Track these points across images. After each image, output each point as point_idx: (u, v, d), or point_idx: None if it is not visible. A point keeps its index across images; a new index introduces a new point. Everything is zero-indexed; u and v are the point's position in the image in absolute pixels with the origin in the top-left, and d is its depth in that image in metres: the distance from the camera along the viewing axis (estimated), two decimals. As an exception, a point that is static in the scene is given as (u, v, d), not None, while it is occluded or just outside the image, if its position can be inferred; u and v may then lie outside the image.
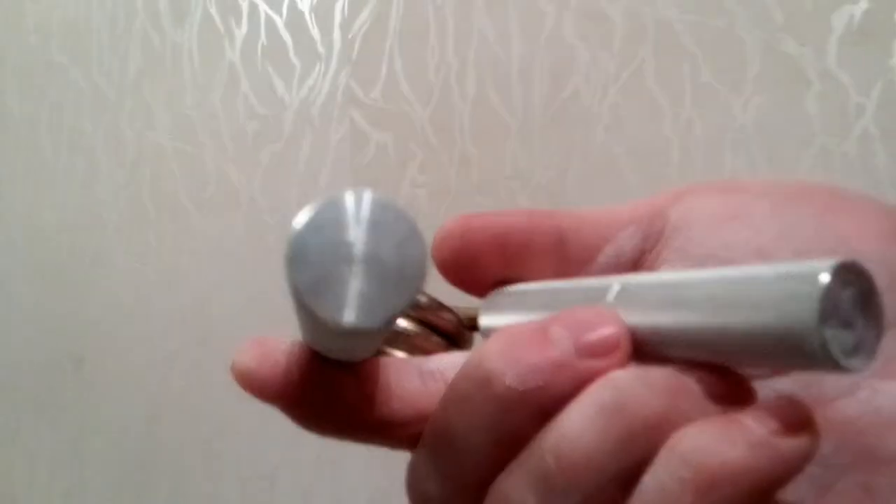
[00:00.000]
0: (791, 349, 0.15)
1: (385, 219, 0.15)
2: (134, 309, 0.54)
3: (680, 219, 0.21)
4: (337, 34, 0.50)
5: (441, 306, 0.25)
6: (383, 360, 0.21)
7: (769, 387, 0.19)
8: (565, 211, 0.23)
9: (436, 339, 0.25)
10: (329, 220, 0.15)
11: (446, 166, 0.48)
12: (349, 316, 0.15)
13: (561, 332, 0.18)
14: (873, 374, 0.18)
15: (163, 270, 0.54)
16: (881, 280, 0.16)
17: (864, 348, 0.15)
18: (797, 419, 0.16)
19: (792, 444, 0.15)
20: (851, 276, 0.15)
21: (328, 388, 0.20)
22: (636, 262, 0.22)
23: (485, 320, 0.24)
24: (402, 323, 0.24)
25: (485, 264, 0.23)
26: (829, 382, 0.18)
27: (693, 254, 0.20)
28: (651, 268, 0.21)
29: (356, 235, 0.15)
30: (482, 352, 0.18)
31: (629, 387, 0.17)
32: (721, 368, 0.17)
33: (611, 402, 0.16)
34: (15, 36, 0.58)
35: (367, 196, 0.15)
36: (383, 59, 0.49)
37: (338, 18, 0.50)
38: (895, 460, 0.17)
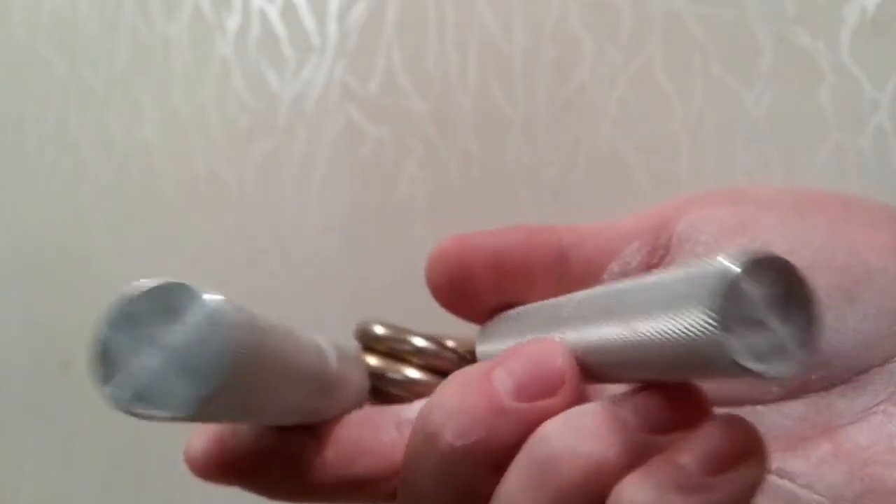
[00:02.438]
0: (699, 359, 0.14)
1: (180, 304, 0.15)
2: (122, 311, 0.55)
3: (685, 231, 0.21)
4: (332, 25, 0.51)
5: (443, 347, 0.25)
6: (357, 414, 0.21)
7: (778, 411, 0.19)
8: (565, 226, 0.23)
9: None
10: (127, 314, 0.16)
11: (446, 162, 0.49)
12: (138, 402, 0.15)
13: (502, 373, 0.17)
14: (888, 398, 0.18)
15: (151, 271, 0.55)
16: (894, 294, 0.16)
17: (789, 350, 0.14)
18: (737, 448, 0.15)
19: (732, 479, 0.15)
20: (766, 269, 0.14)
21: (286, 459, 0.20)
22: None
23: (482, 349, 0.23)
24: (409, 372, 0.25)
25: (480, 288, 0.22)
26: (840, 407, 0.18)
27: None
28: None
29: (151, 323, 0.15)
30: (429, 403, 0.18)
31: (560, 439, 0.16)
32: (667, 385, 0.17)
33: (543, 460, 0.16)
34: (0, 29, 0.59)
35: (161, 284, 0.15)
36: (380, 51, 0.50)
37: (333, 9, 0.51)
38: None
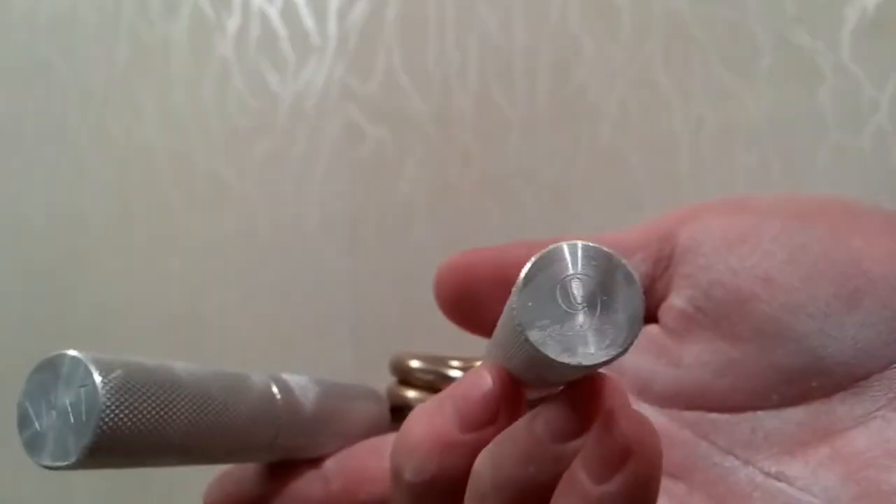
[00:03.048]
0: (528, 357, 0.14)
1: (71, 371, 0.19)
2: (121, 311, 0.55)
3: (688, 243, 0.21)
4: (332, 25, 0.52)
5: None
6: (363, 444, 0.22)
7: (778, 416, 0.19)
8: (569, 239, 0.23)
9: None
10: (37, 382, 0.19)
11: (446, 162, 0.49)
12: (44, 456, 0.18)
13: (449, 406, 0.18)
14: (888, 404, 0.18)
15: (151, 271, 0.55)
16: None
17: (590, 339, 0.14)
18: (617, 450, 0.15)
19: (618, 481, 0.15)
20: (585, 259, 0.14)
21: (291, 496, 0.21)
22: (648, 290, 0.22)
23: None
24: None
25: (487, 302, 0.22)
26: (840, 412, 0.19)
27: (700, 280, 0.20)
28: (663, 295, 0.22)
29: (53, 389, 0.19)
30: (395, 439, 0.18)
31: (485, 475, 0.16)
32: (571, 388, 0.16)
33: (478, 497, 0.16)
34: (0, 30, 0.59)
35: (70, 356, 0.19)
36: (381, 52, 0.50)
37: (333, 9, 0.51)
38: None
